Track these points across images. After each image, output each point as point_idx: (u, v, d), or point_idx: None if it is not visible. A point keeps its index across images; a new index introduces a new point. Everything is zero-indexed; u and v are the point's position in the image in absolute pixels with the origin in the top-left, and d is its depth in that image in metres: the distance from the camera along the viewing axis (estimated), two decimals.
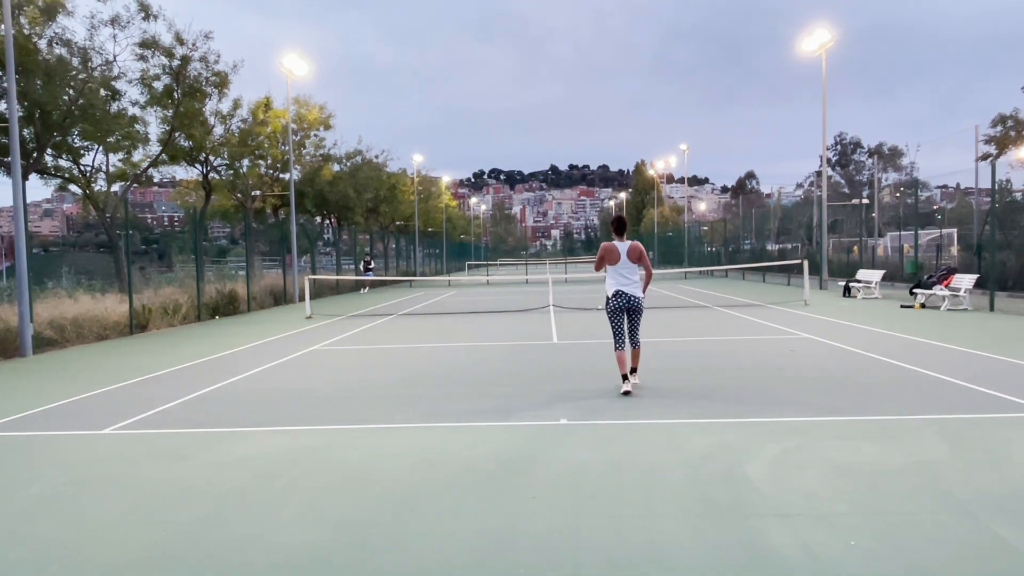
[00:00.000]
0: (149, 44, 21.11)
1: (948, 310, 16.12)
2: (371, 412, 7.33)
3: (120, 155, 23.32)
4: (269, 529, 4.20)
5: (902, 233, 29.59)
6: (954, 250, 26.52)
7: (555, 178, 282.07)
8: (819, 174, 45.09)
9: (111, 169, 23.31)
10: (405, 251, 50.22)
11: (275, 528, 4.21)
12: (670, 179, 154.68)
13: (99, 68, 19.99)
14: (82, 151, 21.23)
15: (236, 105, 27.43)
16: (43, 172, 20.79)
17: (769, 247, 37.16)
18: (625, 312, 7.82)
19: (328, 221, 41.26)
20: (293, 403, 7.93)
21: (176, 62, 22.21)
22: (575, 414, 6.86)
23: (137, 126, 22.03)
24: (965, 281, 16.51)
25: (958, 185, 33.69)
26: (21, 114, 16.95)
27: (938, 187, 38.09)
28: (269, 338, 14.47)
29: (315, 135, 34.87)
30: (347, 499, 4.68)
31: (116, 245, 21.53)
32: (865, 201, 38.06)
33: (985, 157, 29.81)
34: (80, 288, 17.11)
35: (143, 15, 20.42)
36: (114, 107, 20.80)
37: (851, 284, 21.40)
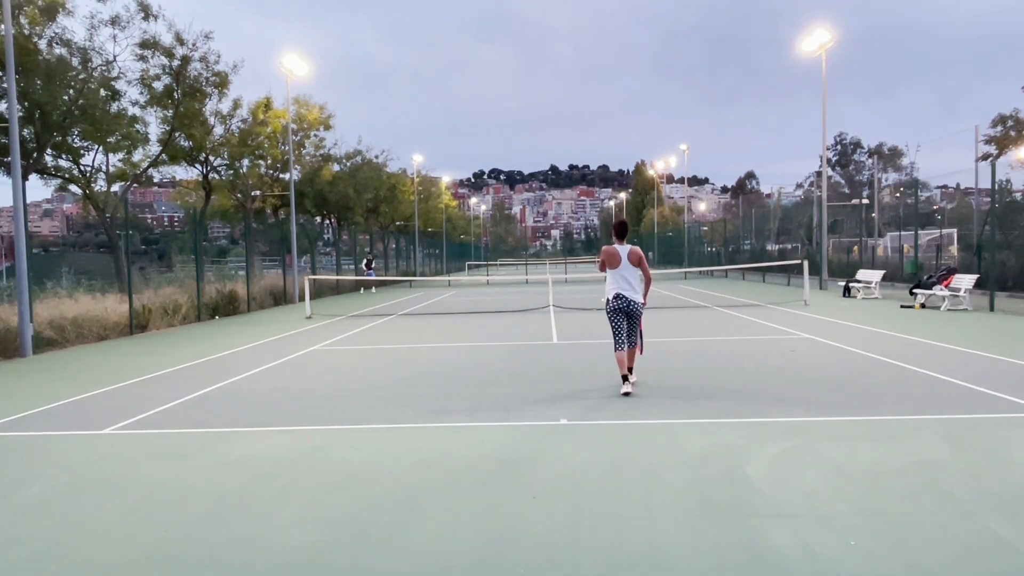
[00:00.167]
0: (149, 44, 21.12)
1: (948, 310, 16.12)
2: (371, 412, 7.33)
3: (120, 155, 23.33)
4: (269, 529, 4.20)
5: (902, 233, 29.59)
6: (954, 250, 26.51)
7: (555, 178, 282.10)
8: (819, 174, 45.09)
9: (111, 169, 23.33)
10: (405, 251, 50.23)
11: (275, 528, 4.21)
12: (670, 179, 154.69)
13: (99, 68, 19.99)
14: (82, 151, 21.23)
15: (236, 105, 27.46)
16: (43, 172, 20.79)
17: (769, 247, 37.17)
18: (624, 314, 7.90)
19: (328, 221, 41.27)
20: (293, 403, 7.93)
21: (176, 62, 22.22)
22: (575, 414, 6.86)
23: (137, 126, 22.04)
24: (965, 281, 16.51)
25: (958, 185, 33.70)
26: (21, 114, 16.95)
27: (938, 187, 38.09)
28: (269, 338, 14.47)
29: (315, 135, 34.89)
30: (347, 499, 4.68)
31: (116, 245, 21.53)
32: (865, 201, 38.06)
33: (985, 157, 29.81)
34: (80, 288, 17.12)
35: (143, 15, 20.44)
36: (114, 107, 20.81)
37: (851, 284, 21.40)
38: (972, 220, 25.44)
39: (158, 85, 22.37)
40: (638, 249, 8.00)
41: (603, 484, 4.81)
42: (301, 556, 3.81)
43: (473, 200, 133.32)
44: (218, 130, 26.86)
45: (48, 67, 17.77)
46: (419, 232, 53.03)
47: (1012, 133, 30.86)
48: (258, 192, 32.15)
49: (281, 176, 32.64)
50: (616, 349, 7.90)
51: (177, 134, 23.65)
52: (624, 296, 7.84)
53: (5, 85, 14.42)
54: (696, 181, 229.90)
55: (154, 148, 24.01)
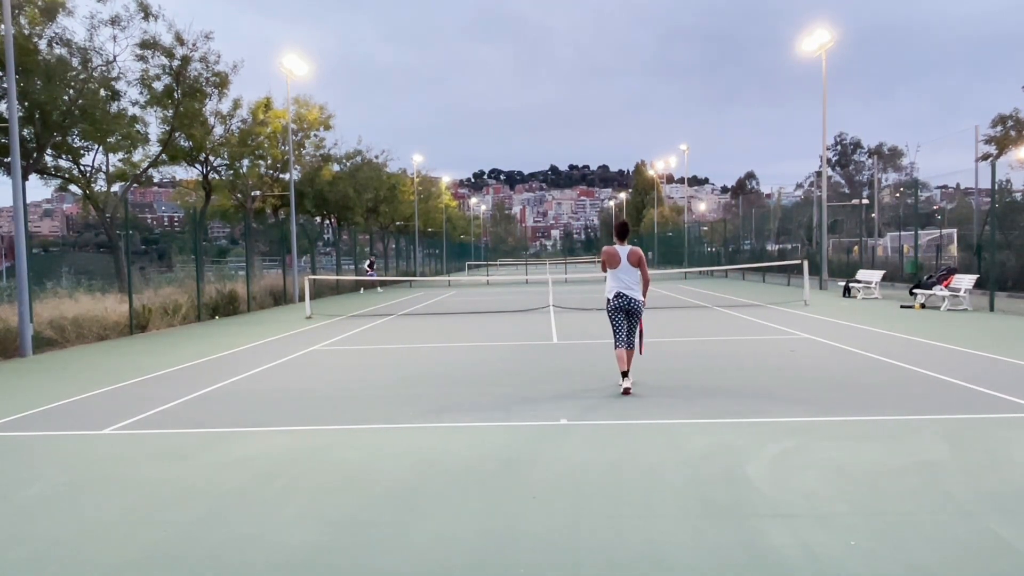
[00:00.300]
0: (149, 44, 21.12)
1: (948, 310, 16.13)
2: (371, 412, 7.33)
3: (120, 155, 23.33)
4: (269, 529, 4.20)
5: (902, 233, 29.59)
6: (954, 250, 26.51)
7: (555, 178, 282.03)
8: (819, 174, 45.10)
9: (111, 169, 23.32)
10: (405, 251, 50.24)
11: (275, 528, 4.21)
12: (670, 179, 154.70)
13: (99, 68, 19.99)
14: (82, 151, 21.23)
15: (236, 105, 27.45)
16: (43, 172, 20.78)
17: (769, 247, 37.17)
18: (624, 313, 7.97)
19: (328, 221, 41.27)
20: (293, 403, 7.93)
21: (176, 62, 22.21)
22: (575, 414, 6.86)
23: (137, 126, 22.03)
24: (965, 281, 16.51)
25: (958, 185, 33.67)
26: (21, 114, 16.95)
27: (938, 187, 38.07)
28: (269, 338, 14.47)
29: (315, 135, 34.90)
30: (347, 499, 4.68)
31: (116, 245, 21.52)
32: (865, 201, 38.06)
33: (985, 157, 29.81)
34: (80, 288, 17.12)
35: (143, 15, 20.43)
36: (114, 107, 20.80)
37: (851, 284, 21.40)
38: (972, 220, 25.43)
39: (158, 85, 22.37)
40: (638, 250, 8.06)
41: (603, 484, 4.81)
42: (301, 556, 3.81)
43: (473, 200, 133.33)
44: (218, 130, 26.86)
45: (48, 67, 17.77)
46: (419, 232, 53.03)
47: (1012, 133, 30.85)
48: (258, 192, 32.15)
49: (281, 176, 32.64)
50: (616, 347, 7.98)
51: (177, 134, 23.65)
52: (624, 295, 7.93)
53: (5, 85, 14.42)
54: (696, 181, 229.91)
55: (154, 148, 24.02)
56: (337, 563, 3.72)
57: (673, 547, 3.77)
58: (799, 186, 65.98)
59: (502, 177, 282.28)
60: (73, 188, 22.72)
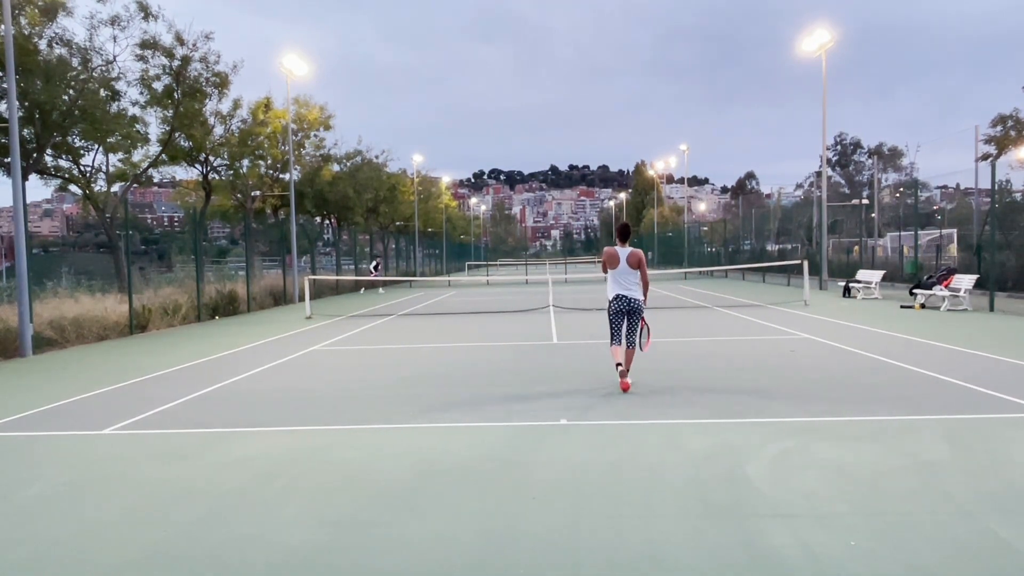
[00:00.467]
0: (149, 44, 21.12)
1: (948, 310, 16.13)
2: (371, 412, 7.34)
3: (120, 155, 23.34)
4: (269, 529, 4.20)
5: (902, 233, 29.60)
6: (954, 250, 26.51)
7: (555, 178, 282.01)
8: (819, 174, 45.10)
9: (111, 169, 23.33)
10: (405, 251, 50.24)
11: (275, 528, 4.21)
12: (670, 179, 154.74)
13: (99, 68, 19.99)
14: (82, 151, 21.24)
15: (236, 105, 27.46)
16: (43, 172, 20.79)
17: (769, 247, 37.18)
18: (624, 314, 8.09)
19: (328, 221, 41.27)
20: (293, 403, 7.93)
21: (176, 62, 22.22)
22: (575, 414, 6.86)
23: (137, 126, 22.04)
24: (965, 281, 16.51)
25: (958, 185, 33.67)
26: (21, 114, 16.96)
27: (938, 187, 38.07)
28: (269, 338, 14.47)
29: (315, 135, 34.92)
30: (347, 499, 4.68)
31: (116, 245, 21.52)
32: (865, 201, 38.08)
33: (985, 157, 29.79)
34: (80, 288, 17.12)
35: (143, 15, 20.44)
36: (114, 107, 20.80)
37: (851, 284, 21.40)
38: (972, 220, 25.44)
39: (158, 85, 22.38)
40: (639, 252, 8.10)
41: (603, 484, 4.81)
42: (301, 556, 3.81)
43: (473, 200, 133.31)
44: (218, 130, 26.87)
45: (48, 67, 17.77)
46: (419, 232, 53.04)
47: (1012, 133, 30.83)
48: (258, 192, 32.15)
49: (281, 176, 32.65)
50: (611, 344, 8.18)
51: (177, 134, 23.65)
52: (623, 296, 8.05)
53: (5, 85, 14.42)
54: (696, 181, 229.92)
55: (154, 148, 24.03)
56: (337, 563, 3.72)
57: (673, 547, 3.77)
58: (799, 186, 66.02)
59: (502, 177, 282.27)
60: (73, 188, 22.73)
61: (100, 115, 19.34)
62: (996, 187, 17.70)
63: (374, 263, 33.45)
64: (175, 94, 22.70)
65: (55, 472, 5.57)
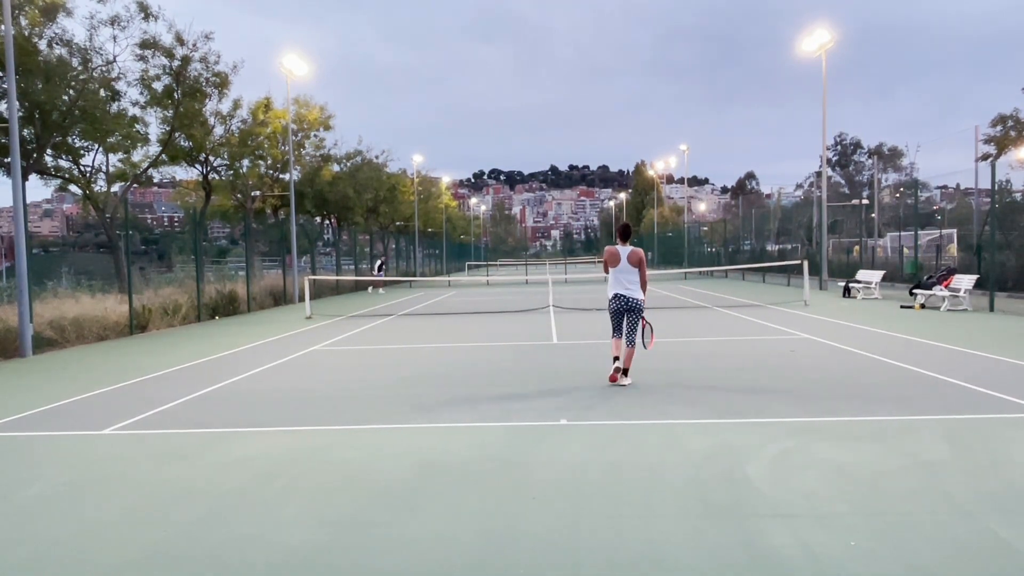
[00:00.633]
0: (149, 44, 21.11)
1: (948, 310, 16.12)
2: (371, 412, 7.34)
3: (120, 155, 23.35)
4: (269, 529, 4.20)
5: (902, 234, 29.60)
6: (954, 250, 26.51)
7: (555, 178, 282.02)
8: (819, 174, 45.10)
9: (111, 169, 23.34)
10: (405, 251, 50.24)
11: (275, 528, 4.22)
12: (670, 179, 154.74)
13: (99, 68, 19.99)
14: (82, 151, 21.24)
15: (236, 105, 27.45)
16: (43, 172, 20.79)
17: (769, 247, 37.18)
18: (623, 313, 8.27)
19: (328, 221, 41.27)
20: (293, 403, 7.93)
21: (176, 62, 22.21)
22: (575, 414, 6.86)
23: (137, 126, 22.04)
24: (965, 282, 16.51)
25: (958, 185, 33.67)
26: (21, 114, 16.96)
27: (938, 187, 38.06)
28: (269, 338, 14.47)
29: (315, 135, 34.92)
30: (347, 499, 4.68)
31: (116, 245, 21.51)
32: (865, 201, 38.08)
33: (985, 157, 29.79)
34: (80, 288, 17.11)
35: (143, 15, 20.43)
36: (114, 107, 20.81)
37: (851, 284, 21.40)
38: (972, 220, 25.44)
39: (158, 85, 22.37)
40: (639, 251, 8.30)
41: (603, 484, 4.81)
42: (301, 556, 3.81)
43: (473, 200, 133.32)
44: (218, 130, 26.86)
45: (48, 67, 17.77)
46: (419, 232, 53.04)
47: (1012, 133, 30.83)
48: (258, 192, 32.16)
49: (281, 176, 32.65)
50: (612, 336, 8.50)
51: (177, 134, 23.65)
52: (622, 295, 8.25)
53: (5, 85, 14.42)
54: (696, 181, 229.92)
55: (154, 148, 24.03)
56: (337, 563, 3.72)
57: (673, 547, 3.77)
58: (799, 186, 66.02)
59: (502, 177, 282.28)
60: (73, 188, 22.73)
61: (100, 115, 19.34)
62: (996, 187, 17.70)
63: (379, 263, 33.42)
64: (175, 94, 22.70)
65: (55, 472, 5.57)
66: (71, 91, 18.74)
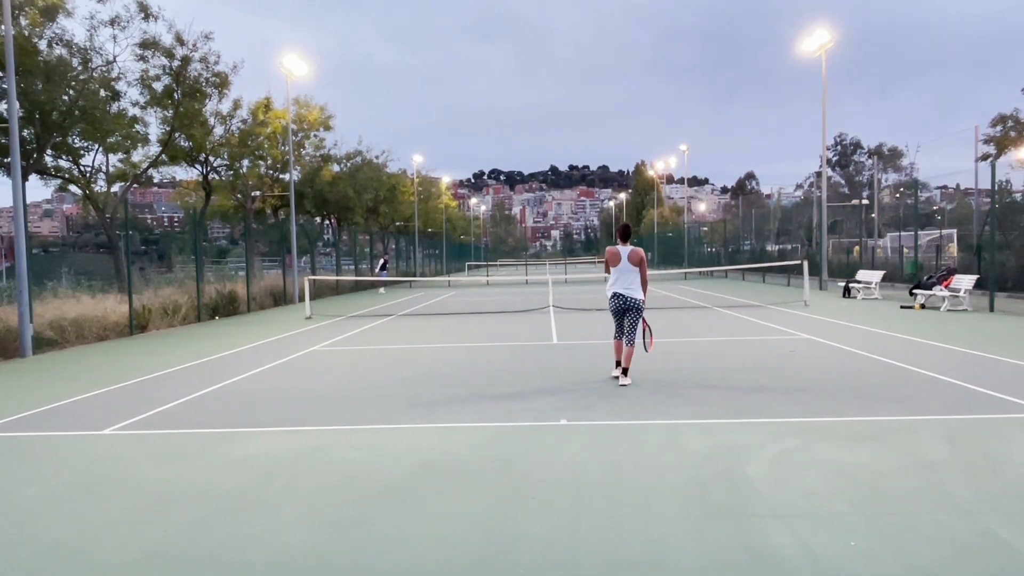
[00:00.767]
0: (149, 45, 21.12)
1: (948, 311, 16.12)
2: (371, 412, 7.34)
3: (120, 155, 23.34)
4: (269, 529, 4.20)
5: (902, 234, 29.60)
6: (954, 250, 26.51)
7: (555, 179, 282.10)
8: (819, 175, 45.10)
9: (111, 169, 23.33)
10: (405, 252, 50.24)
11: (275, 528, 4.21)
12: (670, 180, 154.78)
13: (99, 68, 19.99)
14: (82, 151, 21.24)
15: (236, 106, 27.46)
16: (43, 172, 20.79)
17: (769, 248, 37.18)
18: (622, 312, 8.34)
19: (328, 222, 41.27)
20: (293, 403, 7.93)
21: (176, 63, 22.22)
22: (575, 414, 6.86)
23: (137, 126, 22.04)
24: (965, 282, 16.51)
25: (958, 186, 33.66)
26: (21, 114, 16.96)
27: (938, 188, 38.05)
28: (269, 338, 14.47)
29: (315, 135, 34.92)
30: (347, 499, 4.68)
31: (116, 245, 21.52)
32: (865, 202, 38.08)
33: (985, 157, 29.79)
34: (80, 288, 17.11)
35: (143, 16, 20.44)
36: (114, 107, 20.81)
37: (851, 285, 21.40)
38: (972, 220, 25.44)
39: (158, 85, 22.38)
40: (640, 251, 8.38)
41: (603, 484, 4.81)
42: (301, 556, 3.81)
43: (473, 200, 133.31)
44: (218, 130, 26.87)
45: (48, 67, 17.77)
46: (419, 232, 53.04)
47: (1012, 133, 30.83)
48: (258, 192, 32.15)
49: (281, 176, 32.65)
50: (614, 338, 8.58)
51: (177, 134, 23.65)
52: (621, 295, 8.32)
53: (5, 85, 14.42)
54: (696, 181, 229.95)
55: (154, 148, 24.03)
56: (337, 563, 3.72)
57: (673, 547, 3.77)
58: (799, 186, 65.99)
59: (502, 177, 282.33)
60: (73, 188, 22.74)
61: (100, 115, 19.35)
62: (996, 187, 17.70)
63: (381, 262, 33.38)
64: (175, 94, 22.70)
65: (55, 472, 5.57)
66: (71, 91, 18.74)
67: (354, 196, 37.12)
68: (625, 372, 8.29)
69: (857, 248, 32.64)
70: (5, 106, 15.84)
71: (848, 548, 3.68)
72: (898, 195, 39.15)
